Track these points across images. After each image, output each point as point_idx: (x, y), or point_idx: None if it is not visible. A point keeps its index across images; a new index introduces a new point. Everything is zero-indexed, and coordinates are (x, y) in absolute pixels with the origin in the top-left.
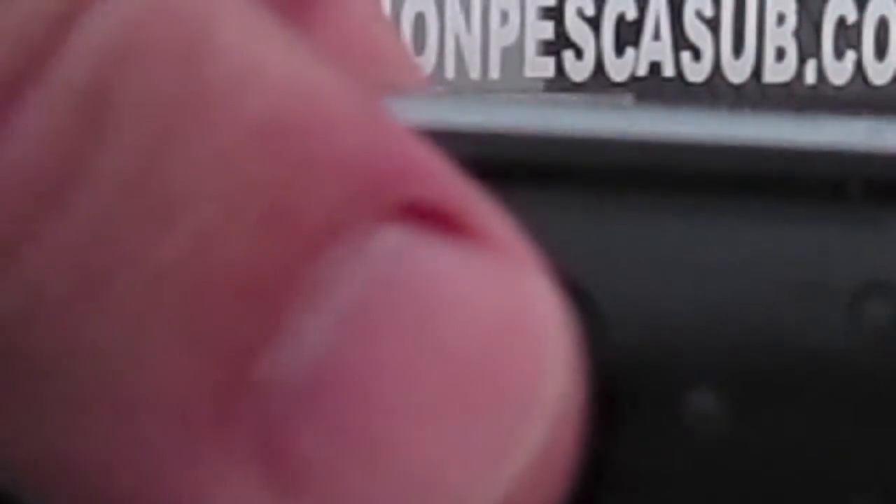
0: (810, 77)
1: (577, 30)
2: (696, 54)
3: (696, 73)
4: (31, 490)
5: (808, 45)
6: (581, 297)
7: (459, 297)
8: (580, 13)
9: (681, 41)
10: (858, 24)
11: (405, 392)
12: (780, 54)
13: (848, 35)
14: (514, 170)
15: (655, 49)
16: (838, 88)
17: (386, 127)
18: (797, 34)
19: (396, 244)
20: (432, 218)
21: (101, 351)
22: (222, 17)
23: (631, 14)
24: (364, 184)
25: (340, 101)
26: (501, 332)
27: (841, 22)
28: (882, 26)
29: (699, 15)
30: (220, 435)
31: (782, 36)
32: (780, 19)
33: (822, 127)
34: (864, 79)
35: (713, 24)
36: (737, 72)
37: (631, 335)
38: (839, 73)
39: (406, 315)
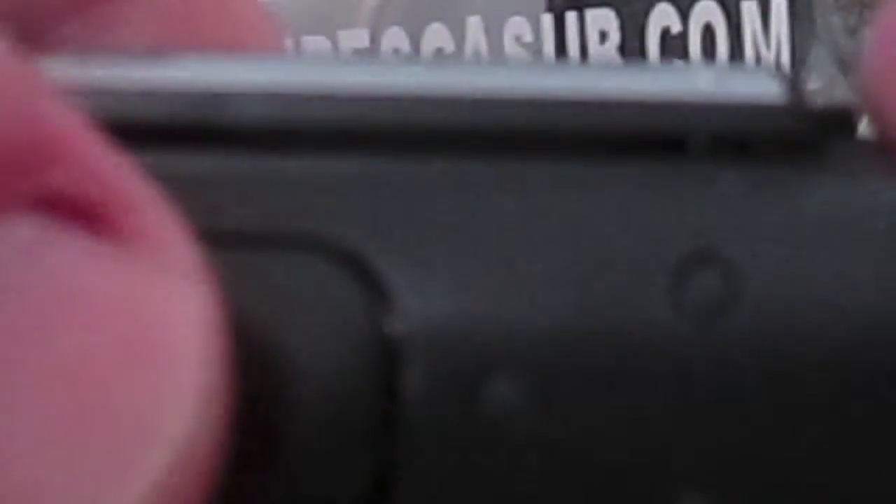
0: None
1: None
2: None
3: None
4: None
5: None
6: (364, 273)
7: (87, 306)
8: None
9: None
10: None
11: (16, 409)
12: None
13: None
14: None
15: None
16: None
17: (32, 99)
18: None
19: (24, 240)
20: (75, 211)
21: None
22: None
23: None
24: None
25: None
26: (126, 352)
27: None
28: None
29: (518, 41)
30: None
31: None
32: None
33: (662, 76)
34: None
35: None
36: None
37: (423, 316)
38: None
39: (26, 322)
